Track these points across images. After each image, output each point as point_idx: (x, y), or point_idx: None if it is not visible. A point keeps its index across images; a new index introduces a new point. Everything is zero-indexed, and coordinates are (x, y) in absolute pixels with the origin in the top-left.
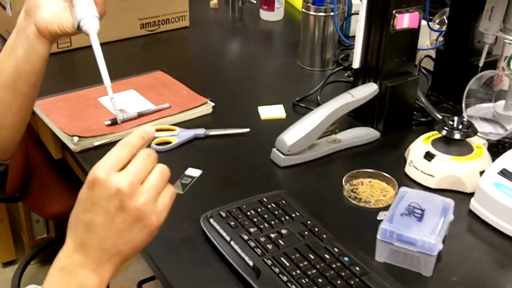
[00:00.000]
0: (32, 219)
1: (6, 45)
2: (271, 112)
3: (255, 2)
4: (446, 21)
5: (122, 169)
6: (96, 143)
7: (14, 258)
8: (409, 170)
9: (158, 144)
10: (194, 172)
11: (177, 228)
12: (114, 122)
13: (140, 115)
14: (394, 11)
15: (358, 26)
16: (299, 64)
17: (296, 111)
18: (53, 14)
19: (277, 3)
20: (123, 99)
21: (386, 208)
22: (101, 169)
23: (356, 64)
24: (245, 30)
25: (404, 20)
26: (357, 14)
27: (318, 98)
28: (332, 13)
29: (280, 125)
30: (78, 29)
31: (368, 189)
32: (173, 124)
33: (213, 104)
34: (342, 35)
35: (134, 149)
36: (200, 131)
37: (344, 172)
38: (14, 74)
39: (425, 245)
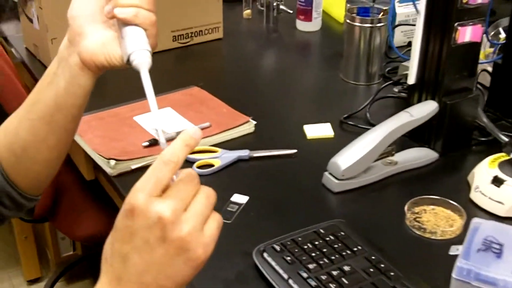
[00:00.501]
0: (57, 236)
1: (46, 74)
2: (318, 131)
3: (291, 12)
4: (502, 33)
5: (163, 192)
6: (133, 166)
7: (39, 276)
8: (475, 196)
9: (199, 167)
10: (240, 199)
11: (227, 263)
12: (152, 143)
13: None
14: (456, 24)
15: (414, 39)
16: (342, 77)
17: (344, 129)
18: (100, 45)
19: (315, 13)
20: (159, 117)
21: (453, 240)
22: (140, 195)
23: (411, 79)
24: (281, 41)
25: (467, 34)
26: (403, 25)
27: (368, 115)
28: (379, 24)
29: (329, 145)
30: (128, 63)
31: (433, 218)
32: (214, 145)
33: (255, 122)
34: (394, 47)
35: (178, 165)
36: (244, 153)
37: (402, 198)
38: (52, 106)
39: (507, 286)
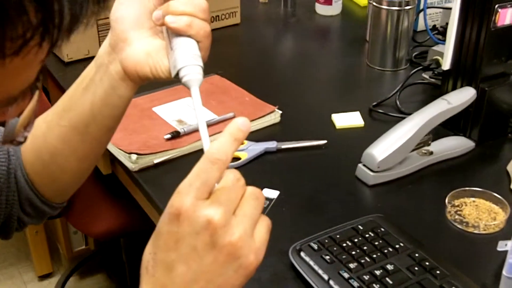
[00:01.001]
0: (69, 231)
1: (81, 78)
2: (347, 120)
3: None
4: None
5: (209, 194)
6: (156, 161)
7: (51, 271)
8: None
9: None
10: (271, 194)
11: (263, 263)
12: (174, 135)
13: None
14: (496, 6)
15: (450, 23)
16: (367, 63)
17: (374, 118)
18: (145, 54)
19: None
20: (180, 108)
21: (497, 234)
22: (186, 198)
23: (447, 65)
24: (300, 26)
25: (507, 16)
26: (431, 8)
27: (398, 103)
28: (407, 7)
29: (360, 135)
30: (176, 77)
31: (474, 211)
32: None
33: (280, 112)
34: (430, 31)
35: (226, 164)
36: (272, 144)
37: (440, 190)
38: (87, 115)
39: None
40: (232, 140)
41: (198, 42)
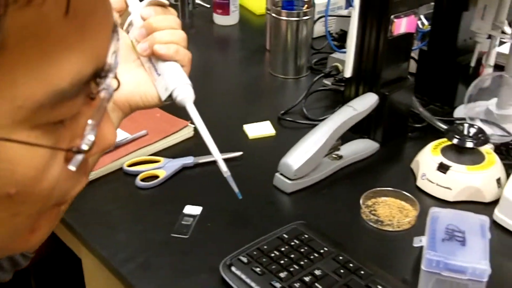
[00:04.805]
0: None
1: None
2: (258, 130)
3: (208, 6)
4: (425, 21)
5: None
6: None
7: None
8: (422, 183)
9: (143, 180)
10: (194, 210)
11: (193, 281)
12: None
13: (116, 146)
14: (392, 16)
15: (350, 32)
16: (270, 72)
17: (283, 126)
18: (135, 85)
19: (232, 6)
20: None
21: (411, 231)
22: None
23: (348, 72)
24: (200, 37)
25: (402, 25)
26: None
27: (304, 110)
28: (305, 17)
29: (272, 144)
30: (168, 100)
31: (387, 210)
32: (154, 154)
33: (193, 126)
34: (330, 40)
35: None
36: (189, 160)
37: (353, 192)
38: None
39: (475, 272)
40: None
41: (182, 66)
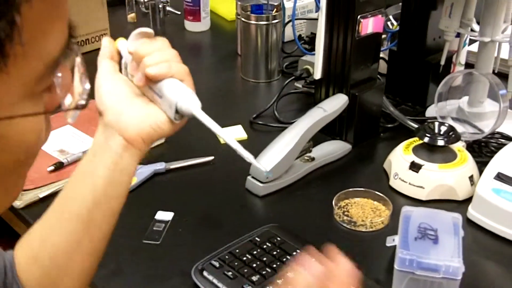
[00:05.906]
0: None
1: (77, 172)
2: (230, 134)
3: (179, 13)
4: (393, 20)
5: None
6: (41, 195)
7: None
8: (395, 183)
9: None
10: (165, 216)
11: (166, 287)
12: (58, 167)
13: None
14: (358, 17)
15: (318, 35)
16: (242, 76)
17: (255, 130)
18: (143, 117)
19: (203, 12)
20: (60, 137)
21: (384, 230)
22: None
23: (318, 74)
24: (172, 44)
25: (369, 25)
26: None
27: (276, 113)
28: (274, 21)
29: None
30: (176, 117)
31: (360, 210)
32: None
33: None
34: (299, 43)
35: None
36: (160, 166)
37: (326, 193)
38: (90, 202)
39: (449, 270)
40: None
41: (182, 80)
